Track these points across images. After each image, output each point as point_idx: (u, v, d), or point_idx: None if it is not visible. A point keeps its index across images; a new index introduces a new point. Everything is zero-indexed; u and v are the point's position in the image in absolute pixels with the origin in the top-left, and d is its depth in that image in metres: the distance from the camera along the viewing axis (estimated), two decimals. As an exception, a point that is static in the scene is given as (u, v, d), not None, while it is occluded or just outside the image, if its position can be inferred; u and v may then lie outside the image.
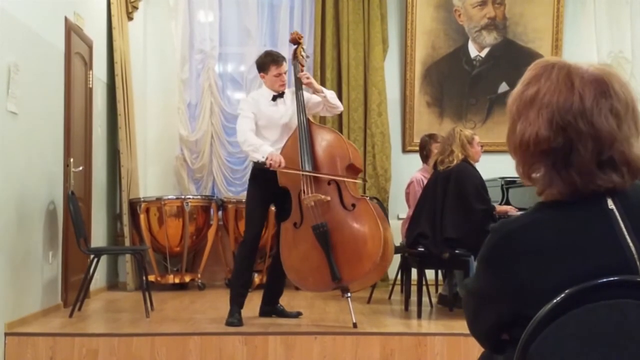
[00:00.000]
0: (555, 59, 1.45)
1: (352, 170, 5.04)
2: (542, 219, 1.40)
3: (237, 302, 4.90)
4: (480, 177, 5.16)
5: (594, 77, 1.39)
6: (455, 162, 5.11)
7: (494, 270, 1.42)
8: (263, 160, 4.77)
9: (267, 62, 4.99)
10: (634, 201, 1.39)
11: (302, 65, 5.23)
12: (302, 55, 5.27)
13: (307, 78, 5.03)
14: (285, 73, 5.02)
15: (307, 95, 5.12)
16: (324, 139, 5.03)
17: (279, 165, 4.75)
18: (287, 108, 5.04)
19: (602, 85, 1.38)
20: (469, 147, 5.21)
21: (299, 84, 5.07)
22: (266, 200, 5.04)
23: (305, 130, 4.95)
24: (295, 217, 4.91)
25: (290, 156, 4.90)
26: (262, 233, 5.11)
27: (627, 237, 1.35)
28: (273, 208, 5.40)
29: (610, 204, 1.38)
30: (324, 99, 5.04)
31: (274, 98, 5.01)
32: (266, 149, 4.81)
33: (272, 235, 6.61)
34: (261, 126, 4.99)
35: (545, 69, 1.42)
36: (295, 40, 5.36)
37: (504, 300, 1.40)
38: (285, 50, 7.43)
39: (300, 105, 5.00)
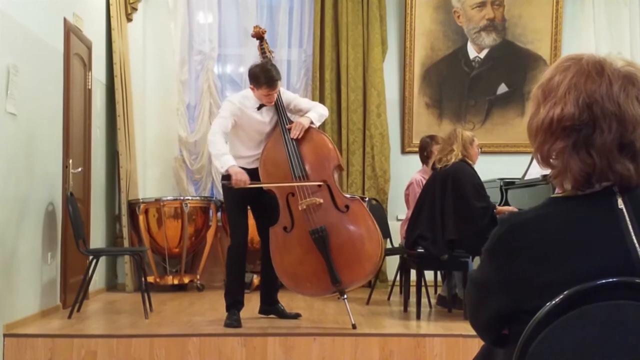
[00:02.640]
0: (584, 53, 1.47)
1: (338, 169, 5.03)
2: (551, 214, 1.41)
3: (235, 307, 4.87)
4: (478, 176, 5.16)
5: (624, 69, 1.41)
6: (453, 160, 5.10)
7: (498, 261, 1.43)
8: (222, 171, 4.77)
9: (261, 81, 4.76)
10: None
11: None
12: (268, 51, 5.22)
13: (298, 133, 4.87)
14: (276, 92, 4.85)
15: (286, 99, 5.02)
16: (309, 141, 4.94)
17: (244, 184, 4.69)
18: (271, 117, 4.97)
19: (631, 75, 1.41)
20: (470, 148, 5.22)
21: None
22: (244, 202, 4.95)
23: (288, 133, 4.89)
24: (284, 221, 4.83)
25: (274, 160, 4.85)
26: (248, 235, 5.06)
27: (634, 237, 1.35)
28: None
29: (620, 203, 1.38)
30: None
31: (260, 107, 4.92)
32: (228, 160, 4.71)
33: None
34: (243, 131, 4.92)
35: (574, 60, 1.44)
36: (259, 35, 5.27)
37: (506, 292, 1.40)
38: (284, 51, 7.49)
39: (281, 109, 4.94)
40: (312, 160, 4.90)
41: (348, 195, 5.06)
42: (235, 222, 4.94)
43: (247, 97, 4.96)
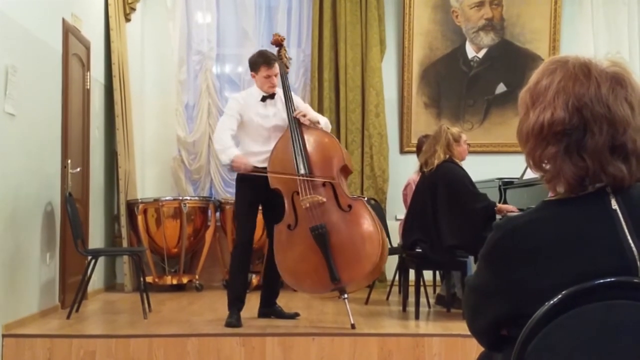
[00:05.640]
0: (568, 55, 1.47)
1: (345, 171, 5.05)
2: (545, 217, 1.40)
3: (236, 306, 4.89)
4: (467, 175, 5.11)
5: (610, 69, 1.41)
6: (437, 162, 5.07)
7: (495, 267, 1.43)
8: (228, 162, 4.82)
9: (258, 62, 4.99)
10: (637, 202, 1.39)
11: (287, 67, 5.26)
12: (285, 57, 5.28)
13: (303, 115, 4.97)
14: (276, 75, 4.99)
15: (296, 100, 5.15)
16: (317, 141, 5.00)
17: (245, 169, 4.79)
18: (276, 111, 5.03)
19: (618, 76, 1.40)
20: (454, 146, 5.16)
21: (287, 86, 5.08)
22: (255, 201, 5.02)
23: (297, 132, 4.93)
24: (289, 219, 4.87)
25: (281, 158, 4.89)
26: (254, 234, 5.09)
27: (629, 238, 1.35)
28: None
29: (614, 204, 1.38)
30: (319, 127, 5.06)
31: (264, 99, 5.01)
32: (232, 151, 4.84)
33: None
34: (248, 127, 4.98)
35: (560, 63, 1.44)
36: (278, 42, 5.36)
37: (504, 297, 1.40)
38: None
39: (290, 107, 4.99)
40: (317, 159, 4.95)
41: (354, 196, 5.09)
42: (244, 220, 4.99)
43: (251, 93, 5.13)
